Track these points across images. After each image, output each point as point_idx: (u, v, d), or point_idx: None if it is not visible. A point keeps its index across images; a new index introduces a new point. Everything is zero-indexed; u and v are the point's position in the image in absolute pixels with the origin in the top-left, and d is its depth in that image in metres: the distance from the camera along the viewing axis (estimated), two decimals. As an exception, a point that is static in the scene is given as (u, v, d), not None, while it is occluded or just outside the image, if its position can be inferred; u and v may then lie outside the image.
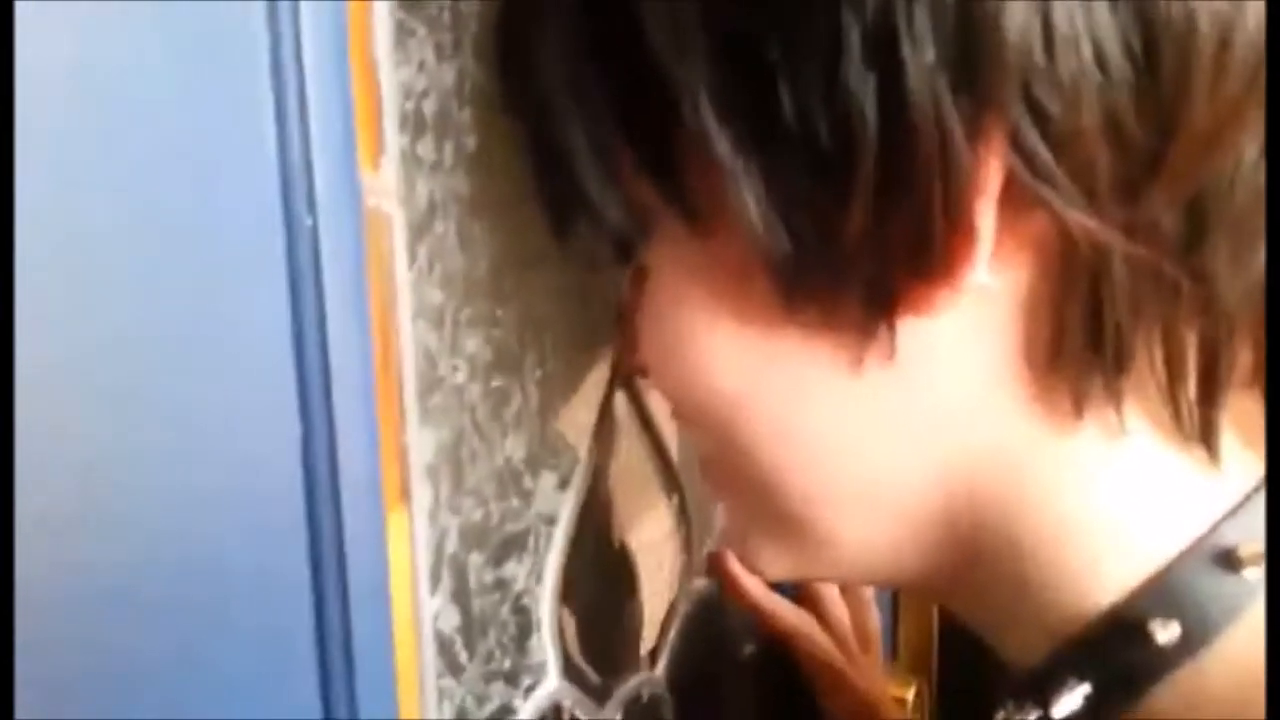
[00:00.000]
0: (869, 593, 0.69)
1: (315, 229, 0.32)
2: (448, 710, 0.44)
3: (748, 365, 0.33)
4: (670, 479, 0.59)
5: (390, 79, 0.36)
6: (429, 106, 0.38)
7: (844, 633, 0.67)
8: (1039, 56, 0.26)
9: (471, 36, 0.39)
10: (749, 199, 0.29)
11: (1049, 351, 0.30)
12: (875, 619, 0.69)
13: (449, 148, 0.39)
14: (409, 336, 0.39)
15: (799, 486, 0.34)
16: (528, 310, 0.45)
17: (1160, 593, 0.31)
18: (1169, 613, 0.31)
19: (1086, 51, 0.26)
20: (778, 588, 0.67)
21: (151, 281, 0.31)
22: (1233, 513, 0.31)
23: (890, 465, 0.33)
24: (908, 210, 0.28)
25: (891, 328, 0.30)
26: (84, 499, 0.30)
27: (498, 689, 0.46)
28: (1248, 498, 0.32)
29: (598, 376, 0.51)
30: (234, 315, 0.33)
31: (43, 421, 0.29)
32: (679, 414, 0.38)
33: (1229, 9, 0.26)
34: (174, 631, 0.33)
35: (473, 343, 0.42)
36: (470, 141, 0.40)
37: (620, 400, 0.53)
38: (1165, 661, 0.31)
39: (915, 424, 0.32)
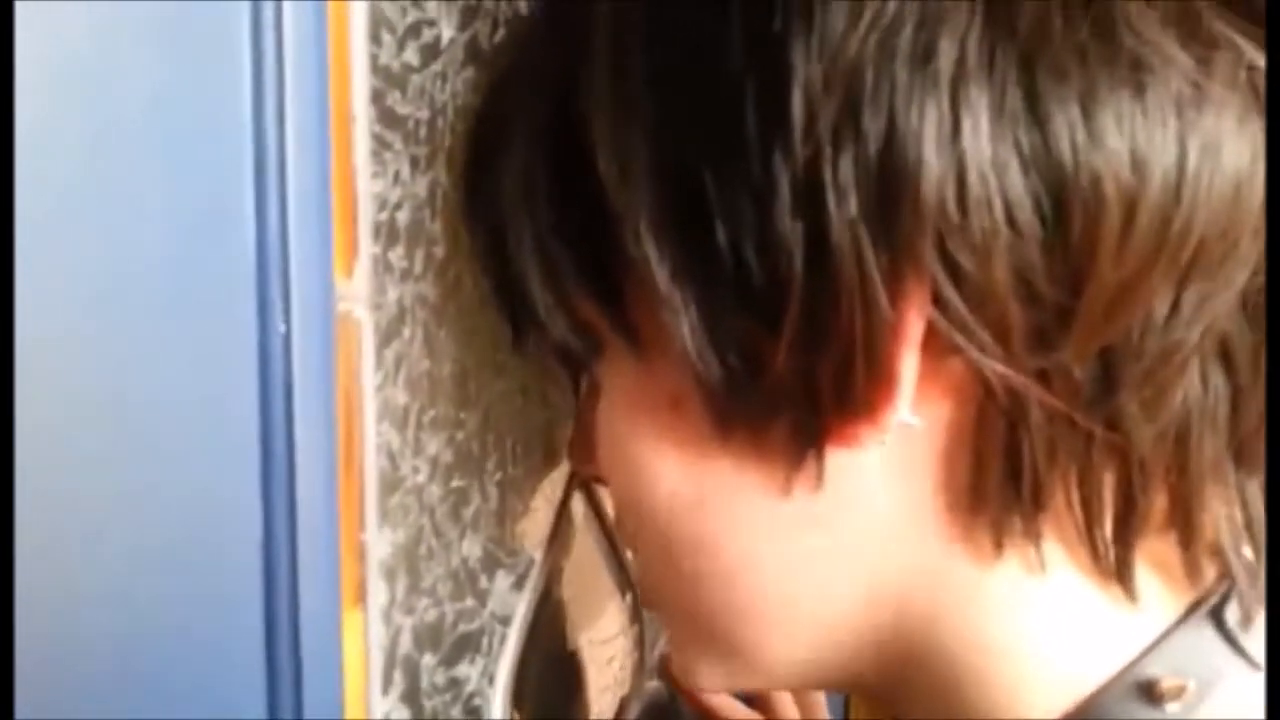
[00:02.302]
0: (820, 695, 0.69)
1: (289, 333, 0.33)
2: (395, 812, 0.43)
3: (683, 485, 0.34)
4: (624, 579, 0.59)
5: (366, 190, 0.38)
6: (402, 217, 0.40)
7: (794, 735, 0.67)
8: (953, 213, 0.27)
9: (445, 151, 0.41)
10: (684, 328, 0.30)
11: (970, 489, 0.31)
12: (825, 717, 0.70)
13: (419, 256, 0.41)
14: (372, 437, 0.40)
15: (726, 602, 0.35)
16: (490, 414, 0.46)
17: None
18: None
19: (999, 211, 0.27)
20: (728, 691, 0.67)
21: (123, 380, 0.31)
22: (1155, 646, 0.32)
23: (816, 586, 0.34)
24: (831, 352, 0.29)
25: (819, 458, 0.31)
26: (39, 606, 0.31)
27: (446, 791, 0.46)
28: (1169, 632, 0.32)
29: (556, 479, 0.52)
30: (203, 411, 0.34)
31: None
32: (620, 523, 0.39)
33: (1134, 179, 0.27)
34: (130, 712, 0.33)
35: (435, 444, 0.43)
36: (440, 251, 0.42)
37: (577, 501, 0.54)
38: None
39: (841, 548, 0.33)
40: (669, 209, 0.30)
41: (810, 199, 0.27)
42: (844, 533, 0.33)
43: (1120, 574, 0.32)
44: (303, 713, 0.37)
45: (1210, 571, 0.33)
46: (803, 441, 0.31)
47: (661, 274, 0.30)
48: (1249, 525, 0.32)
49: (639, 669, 0.62)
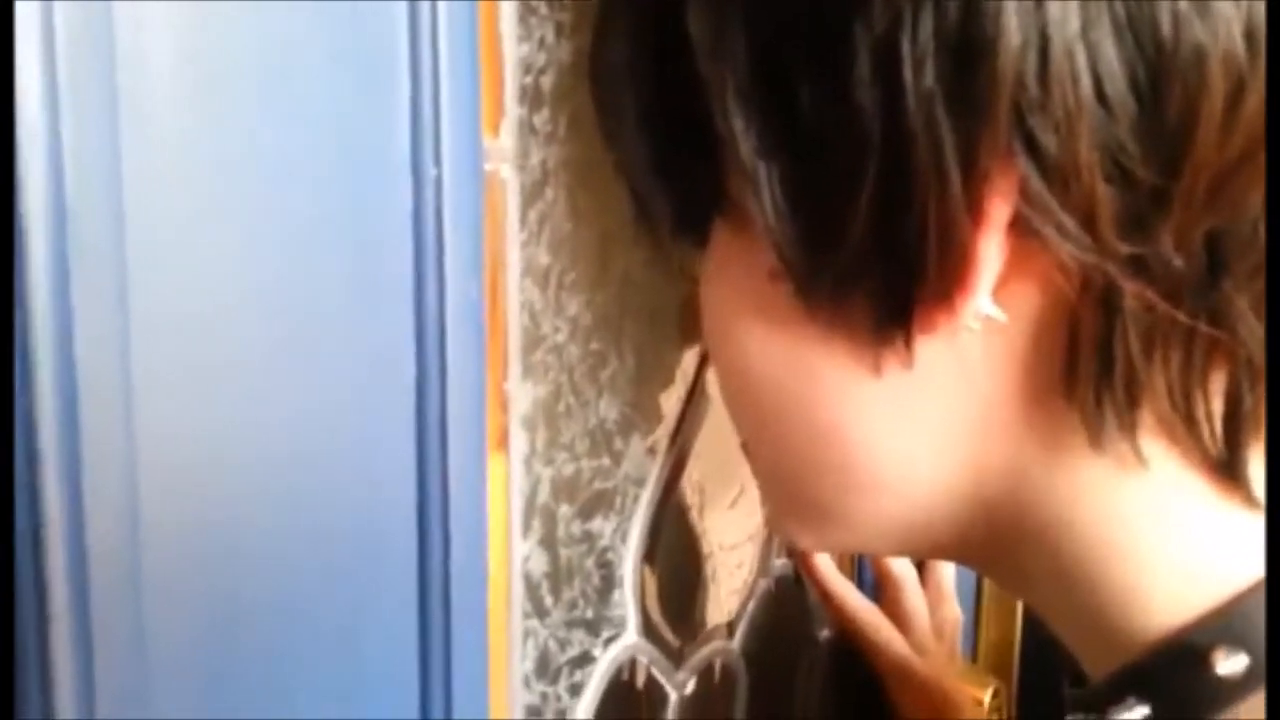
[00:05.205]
0: (949, 584, 0.70)
1: (440, 180, 0.35)
2: (531, 650, 0.46)
3: (773, 355, 0.34)
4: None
5: (513, 53, 0.39)
6: (547, 81, 0.41)
7: (919, 623, 0.68)
8: (1033, 88, 0.25)
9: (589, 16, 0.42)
10: (766, 201, 0.30)
11: (1064, 380, 0.30)
12: (954, 611, 0.70)
13: (563, 120, 0.42)
14: (515, 294, 0.42)
15: (814, 471, 0.35)
16: (629, 280, 0.48)
17: (1228, 623, 0.30)
18: (1235, 644, 0.30)
19: (1085, 86, 0.25)
20: (859, 576, 0.68)
21: (281, 223, 0.34)
22: None
23: (904, 464, 0.33)
24: (905, 230, 0.28)
25: (909, 340, 0.30)
26: (203, 442, 0.33)
27: (579, 636, 0.49)
28: None
29: (693, 352, 0.54)
30: (359, 259, 0.36)
31: (165, 370, 0.32)
32: (724, 397, 0.40)
33: (1246, 55, 0.25)
34: (285, 549, 0.37)
35: (574, 305, 0.45)
36: (584, 116, 0.43)
37: (713, 377, 0.56)
38: (1228, 692, 0.30)
39: (931, 431, 0.32)
40: (756, 81, 0.29)
41: (888, 68, 0.26)
42: (935, 416, 0.32)
43: (1233, 476, 0.30)
44: (450, 546, 0.40)
45: None
46: (886, 321, 0.30)
47: (746, 146, 0.29)
48: None
49: (768, 547, 0.64)
